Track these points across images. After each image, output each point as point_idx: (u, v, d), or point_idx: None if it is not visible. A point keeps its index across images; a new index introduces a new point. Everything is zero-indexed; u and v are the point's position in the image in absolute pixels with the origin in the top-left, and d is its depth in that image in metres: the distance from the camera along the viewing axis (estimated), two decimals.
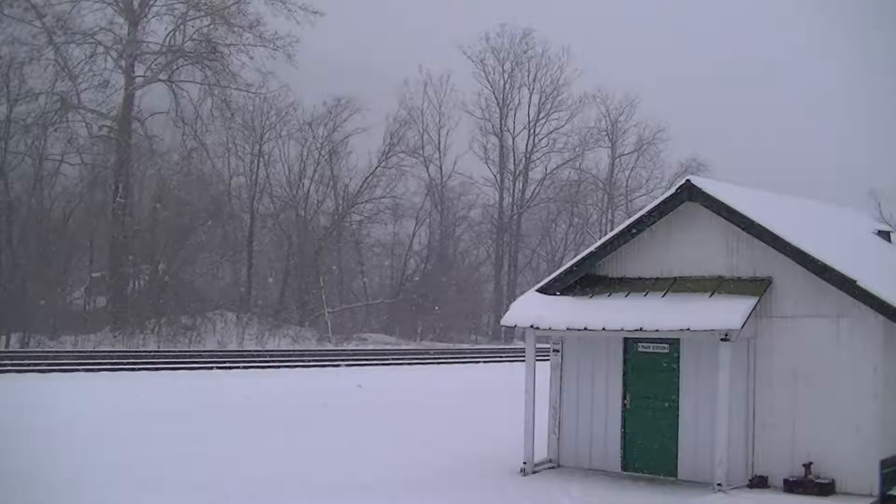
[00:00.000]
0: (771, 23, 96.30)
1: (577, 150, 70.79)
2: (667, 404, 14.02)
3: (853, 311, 12.78)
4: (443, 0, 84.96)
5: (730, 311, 12.84)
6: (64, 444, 16.25)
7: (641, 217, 14.55)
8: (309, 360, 37.36)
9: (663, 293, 14.00)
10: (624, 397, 14.46)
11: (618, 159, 73.95)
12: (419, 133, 65.49)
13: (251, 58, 49.53)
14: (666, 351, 14.07)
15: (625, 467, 14.43)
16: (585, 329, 13.86)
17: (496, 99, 68.25)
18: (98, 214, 48.04)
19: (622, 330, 13.62)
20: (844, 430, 12.79)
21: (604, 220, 72.48)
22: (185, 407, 21.94)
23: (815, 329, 13.12)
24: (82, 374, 28.75)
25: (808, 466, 12.84)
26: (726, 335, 12.74)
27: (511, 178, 68.89)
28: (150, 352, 38.19)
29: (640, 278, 14.58)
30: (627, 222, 14.97)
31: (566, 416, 15.10)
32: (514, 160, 68.96)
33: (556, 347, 15.25)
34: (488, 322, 66.12)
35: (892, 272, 15.00)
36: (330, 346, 49.37)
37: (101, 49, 47.05)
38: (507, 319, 14.67)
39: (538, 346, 14.74)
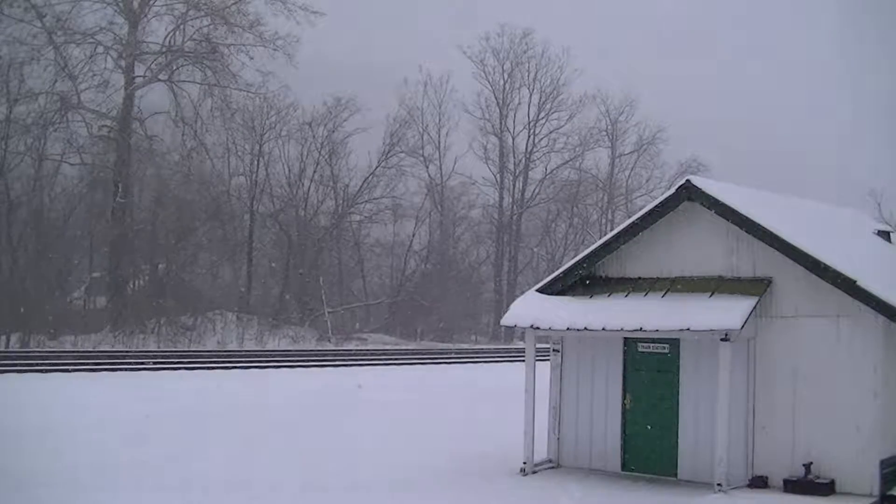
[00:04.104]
0: (771, 23, 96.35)
1: (577, 150, 70.85)
2: (667, 404, 14.02)
3: (853, 311, 12.78)
4: (443, 0, 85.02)
5: (730, 312, 12.84)
6: (64, 445, 16.25)
7: (641, 217, 14.55)
8: (309, 360, 37.36)
9: (663, 293, 14.01)
10: (624, 397, 14.46)
11: (618, 159, 74.00)
12: (419, 133, 65.61)
13: (251, 58, 49.62)
14: (666, 351, 14.07)
15: (625, 467, 14.43)
16: (585, 329, 13.85)
17: (496, 99, 68.30)
18: (98, 214, 48.03)
19: (622, 330, 13.62)
20: (844, 430, 12.79)
21: (604, 220, 72.48)
22: (186, 407, 21.93)
23: (815, 329, 13.12)
24: (82, 374, 28.73)
25: (808, 466, 12.84)
26: (726, 335, 12.74)
27: (511, 178, 68.93)
28: (150, 352, 38.17)
29: (640, 278, 14.57)
30: (627, 222, 14.97)
31: (566, 416, 15.10)
32: (514, 160, 69.01)
33: (556, 347, 15.25)
34: (488, 322, 66.10)
35: (892, 272, 15.00)
36: (330, 346, 49.37)
37: (101, 49, 47.13)
38: (507, 319, 14.67)
39: (538, 346, 14.74)
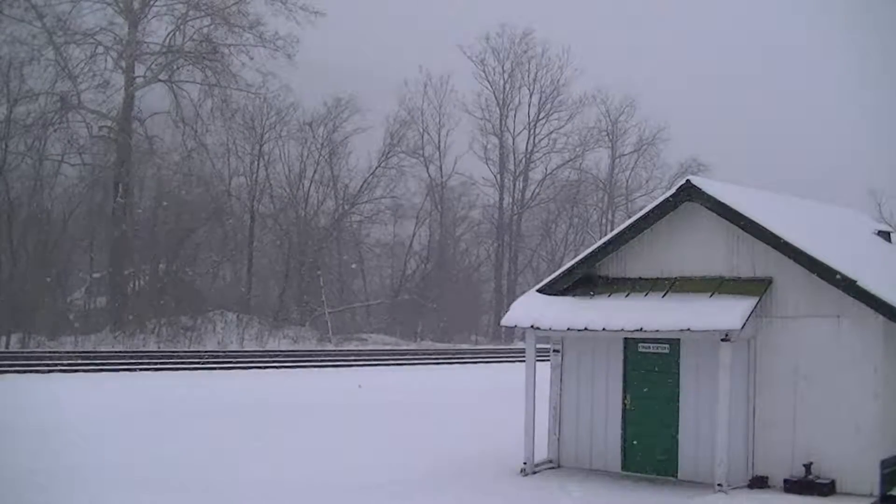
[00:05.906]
0: (770, 22, 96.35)
1: (577, 150, 70.85)
2: (667, 404, 14.01)
3: (853, 311, 12.78)
4: (443, 0, 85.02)
5: (730, 312, 12.84)
6: (64, 445, 16.25)
7: (642, 217, 14.55)
8: (309, 361, 37.36)
9: (663, 293, 14.01)
10: (624, 397, 14.46)
11: (618, 159, 73.98)
12: (419, 133, 65.54)
13: (251, 58, 49.58)
14: (666, 351, 14.07)
15: (625, 467, 14.43)
16: (586, 329, 13.85)
17: (496, 99, 68.29)
18: (98, 214, 48.02)
19: (622, 330, 13.62)
20: (844, 430, 12.79)
21: (604, 221, 72.50)
22: (186, 407, 21.93)
23: (816, 329, 13.12)
24: (82, 374, 28.74)
25: (808, 466, 12.85)
26: (726, 335, 12.74)
27: (511, 179, 68.92)
28: (151, 352, 38.18)
29: (640, 278, 14.58)
30: (628, 222, 14.98)
31: (566, 417, 15.10)
32: (514, 160, 69.00)
33: (557, 347, 15.25)
34: (488, 322, 66.10)
35: (892, 272, 15.00)
36: (330, 347, 49.38)
37: (101, 49, 47.09)
38: (508, 319, 14.67)
39: (538, 346, 14.73)
